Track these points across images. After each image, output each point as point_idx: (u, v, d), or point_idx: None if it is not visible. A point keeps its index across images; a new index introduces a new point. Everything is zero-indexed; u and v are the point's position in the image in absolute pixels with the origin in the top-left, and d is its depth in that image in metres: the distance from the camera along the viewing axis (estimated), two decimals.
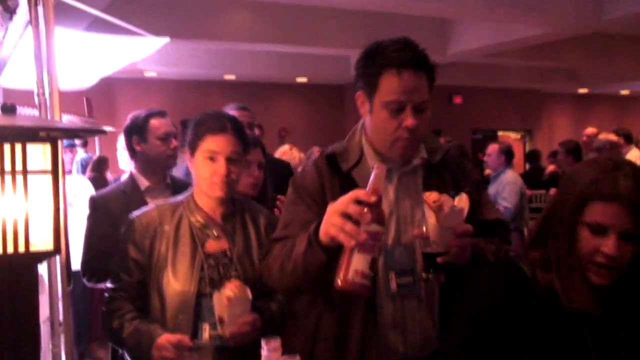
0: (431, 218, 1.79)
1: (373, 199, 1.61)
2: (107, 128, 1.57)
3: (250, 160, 2.72)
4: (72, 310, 2.28)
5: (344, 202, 1.64)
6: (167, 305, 2.12)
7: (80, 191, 4.62)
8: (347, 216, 1.62)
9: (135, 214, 2.26)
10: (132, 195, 2.97)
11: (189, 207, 2.23)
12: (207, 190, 2.19)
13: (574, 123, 15.53)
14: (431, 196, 1.77)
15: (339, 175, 2.00)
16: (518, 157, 11.91)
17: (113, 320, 2.16)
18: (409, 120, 1.89)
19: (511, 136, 14.49)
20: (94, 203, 3.01)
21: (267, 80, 12.31)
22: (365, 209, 1.61)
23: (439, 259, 1.78)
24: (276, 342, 1.55)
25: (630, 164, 1.55)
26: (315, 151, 7.80)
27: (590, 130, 8.25)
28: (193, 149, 2.18)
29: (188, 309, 2.09)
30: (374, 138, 2.01)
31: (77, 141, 6.81)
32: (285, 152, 6.28)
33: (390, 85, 1.89)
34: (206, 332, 2.06)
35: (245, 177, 2.64)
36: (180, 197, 2.29)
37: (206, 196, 2.21)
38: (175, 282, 2.12)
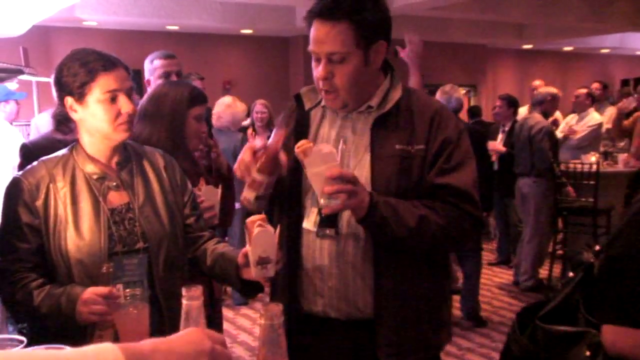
0: (303, 167, 1.77)
1: (260, 152, 1.83)
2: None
3: None
4: None
5: (246, 148, 1.86)
6: (75, 271, 1.95)
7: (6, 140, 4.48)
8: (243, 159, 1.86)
9: (20, 173, 2.05)
10: (68, 144, 2.85)
11: (80, 158, 2.04)
12: (112, 135, 2.01)
13: (518, 78, 15.69)
14: (297, 144, 1.75)
15: (300, 111, 2.09)
16: (462, 112, 12.02)
17: (15, 293, 1.94)
18: (318, 71, 1.90)
19: None
20: (26, 151, 2.85)
21: (211, 31, 12.03)
22: (260, 157, 1.82)
23: (323, 211, 1.80)
24: (197, 290, 1.51)
25: None
26: (259, 104, 7.67)
27: (536, 83, 8.43)
28: (82, 94, 1.96)
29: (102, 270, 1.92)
30: None
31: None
32: (229, 104, 6.17)
33: (311, 35, 1.91)
34: (120, 292, 1.84)
35: None
36: (64, 151, 2.09)
37: (101, 143, 2.04)
38: (82, 244, 1.95)
